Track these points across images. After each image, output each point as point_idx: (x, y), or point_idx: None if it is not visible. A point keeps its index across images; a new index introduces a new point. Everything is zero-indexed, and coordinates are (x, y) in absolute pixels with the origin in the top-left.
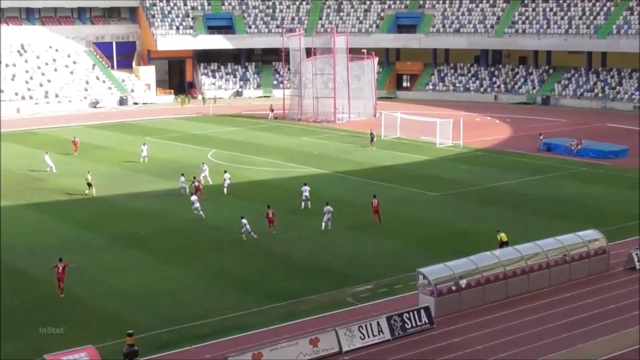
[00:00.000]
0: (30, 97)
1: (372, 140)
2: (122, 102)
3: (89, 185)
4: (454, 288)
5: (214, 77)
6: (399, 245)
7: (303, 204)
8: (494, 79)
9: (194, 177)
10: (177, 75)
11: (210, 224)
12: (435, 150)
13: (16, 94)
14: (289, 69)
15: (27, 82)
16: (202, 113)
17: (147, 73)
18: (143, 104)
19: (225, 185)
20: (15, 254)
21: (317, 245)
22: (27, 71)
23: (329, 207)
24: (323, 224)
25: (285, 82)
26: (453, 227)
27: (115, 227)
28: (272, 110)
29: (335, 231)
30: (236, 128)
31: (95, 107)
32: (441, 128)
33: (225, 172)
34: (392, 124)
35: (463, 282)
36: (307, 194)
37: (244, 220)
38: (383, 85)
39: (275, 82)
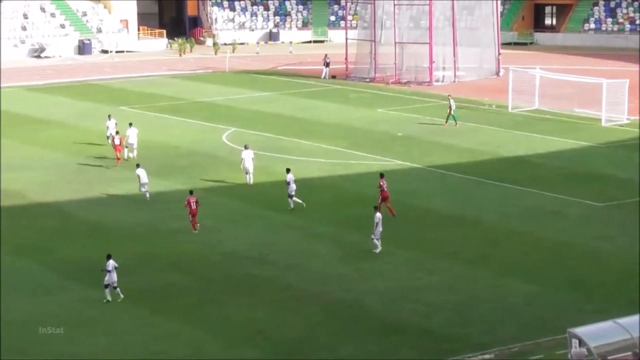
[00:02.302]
0: None
1: (449, 112)
2: (83, 49)
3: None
4: None
5: (233, 9)
6: (535, 288)
7: (291, 202)
8: None
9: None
10: (171, 7)
11: (225, 248)
12: (601, 131)
13: None
14: None
15: None
16: (213, 68)
17: (124, 3)
18: (117, 52)
19: (248, 170)
20: None
21: (400, 286)
22: None
23: (379, 215)
24: (377, 242)
25: (350, 18)
26: (629, 259)
27: (72, 253)
28: (327, 65)
29: (430, 264)
30: (269, 93)
31: (39, 56)
32: (610, 95)
33: (246, 147)
34: (527, 88)
35: None
36: (293, 186)
37: (111, 262)
38: (512, 24)
39: (333, 19)
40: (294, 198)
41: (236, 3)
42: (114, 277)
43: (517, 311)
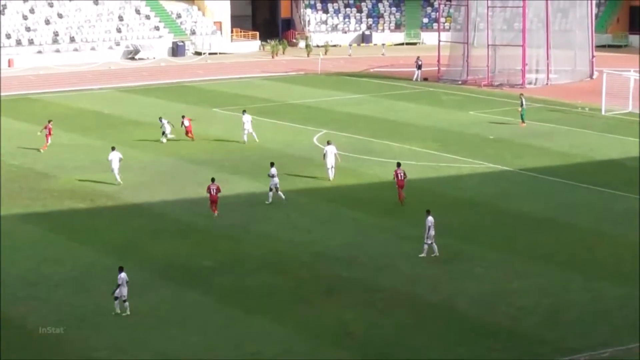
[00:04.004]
0: (30, 42)
1: (520, 110)
2: (177, 51)
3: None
4: None
5: (326, 11)
6: (629, 292)
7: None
8: None
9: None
10: (265, 9)
11: (315, 249)
12: None
13: (7, 36)
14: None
15: (24, 19)
16: (305, 70)
17: (218, 5)
18: (210, 54)
19: (329, 165)
20: (6, 293)
21: (491, 289)
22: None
23: (431, 219)
24: (425, 247)
25: (443, 20)
26: None
27: (164, 253)
28: (419, 67)
29: (521, 267)
30: (360, 95)
31: (133, 58)
32: None
33: (328, 142)
34: (621, 91)
35: None
36: (276, 180)
37: (122, 276)
38: (606, 26)
39: (425, 21)
40: (279, 192)
41: (329, 5)
42: (124, 290)
43: (610, 315)
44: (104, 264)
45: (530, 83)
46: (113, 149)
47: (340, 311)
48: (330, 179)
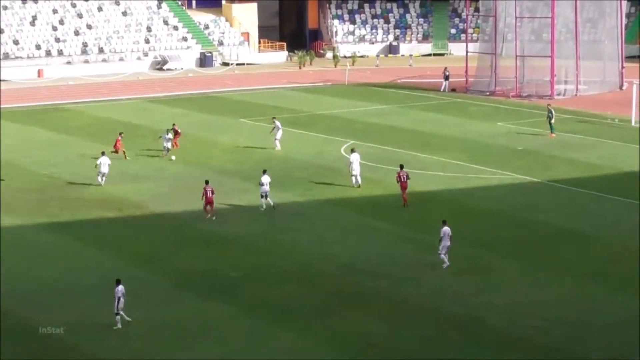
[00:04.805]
0: (60, 53)
1: (549, 121)
2: (205, 61)
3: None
4: None
5: (353, 22)
6: None
7: (264, 203)
8: None
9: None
10: (292, 20)
11: (341, 260)
12: None
13: (37, 47)
14: (476, 10)
15: (54, 29)
16: (332, 81)
17: (246, 16)
18: (238, 64)
19: (354, 172)
20: (27, 303)
21: (517, 301)
22: (54, 11)
23: (447, 229)
24: (444, 257)
25: (471, 31)
26: None
27: (189, 263)
28: (447, 78)
29: (547, 279)
30: (388, 106)
31: (161, 69)
32: None
33: (352, 150)
34: None
35: None
36: (266, 188)
37: (120, 288)
38: (636, 37)
39: (453, 32)
40: (267, 199)
41: (357, 16)
42: (121, 303)
43: (635, 328)
44: (129, 274)
45: (559, 94)
46: (103, 153)
47: (365, 322)
48: (357, 185)
